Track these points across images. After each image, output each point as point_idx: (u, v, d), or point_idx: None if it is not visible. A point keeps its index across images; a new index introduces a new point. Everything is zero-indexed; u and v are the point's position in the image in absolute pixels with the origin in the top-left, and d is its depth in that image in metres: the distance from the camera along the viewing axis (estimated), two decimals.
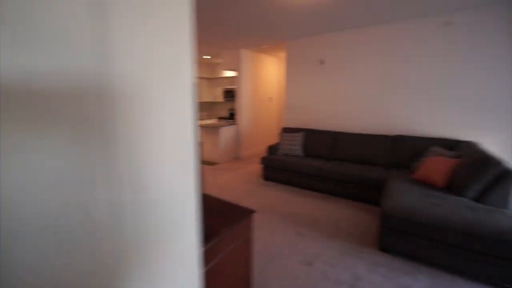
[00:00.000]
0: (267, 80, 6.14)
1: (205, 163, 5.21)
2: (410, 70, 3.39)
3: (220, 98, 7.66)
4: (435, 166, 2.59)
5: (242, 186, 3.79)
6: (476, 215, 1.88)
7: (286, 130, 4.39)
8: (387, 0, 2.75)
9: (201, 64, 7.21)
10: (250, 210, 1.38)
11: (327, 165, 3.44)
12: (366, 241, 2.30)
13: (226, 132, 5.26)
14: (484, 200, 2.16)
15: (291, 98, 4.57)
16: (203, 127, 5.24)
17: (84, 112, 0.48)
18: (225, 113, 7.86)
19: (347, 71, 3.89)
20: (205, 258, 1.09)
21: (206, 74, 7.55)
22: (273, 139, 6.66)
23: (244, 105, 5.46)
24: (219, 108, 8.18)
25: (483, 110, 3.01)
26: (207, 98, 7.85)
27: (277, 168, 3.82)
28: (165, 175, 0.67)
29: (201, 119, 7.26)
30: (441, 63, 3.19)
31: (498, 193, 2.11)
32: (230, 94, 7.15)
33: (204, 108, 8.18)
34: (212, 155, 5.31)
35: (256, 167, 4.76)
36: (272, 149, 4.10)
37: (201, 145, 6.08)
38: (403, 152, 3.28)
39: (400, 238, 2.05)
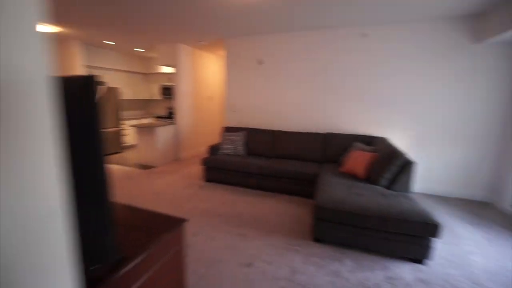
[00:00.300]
0: (208, 78, 5.95)
1: (140, 167, 4.72)
2: (336, 74, 3.76)
3: (157, 95, 7.09)
4: (357, 160, 2.93)
5: (181, 190, 3.57)
6: (387, 200, 2.19)
7: (228, 130, 4.33)
8: (314, 10, 2.97)
9: (134, 57, 6.51)
10: (180, 219, 1.26)
11: (268, 163, 3.53)
12: (303, 234, 2.44)
13: (164, 133, 4.88)
14: (393, 187, 2.54)
15: (232, 97, 4.54)
16: (137, 127, 4.73)
17: None
18: (163, 112, 7.31)
19: (284, 72, 4.07)
20: (125, 282, 0.94)
21: (141, 68, 6.87)
22: (216, 139, 6.53)
23: (183, 103, 5.16)
24: (156, 106, 7.56)
25: (393, 111, 3.56)
26: (143, 95, 7.16)
27: (219, 168, 3.73)
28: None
29: (136, 118, 6.58)
30: (361, 69, 3.63)
31: (402, 181, 2.52)
32: (168, 92, 6.68)
33: (140, 106, 7.44)
34: (148, 158, 4.86)
35: (198, 169, 4.56)
36: (213, 149, 3.98)
37: (134, 147, 5.48)
38: (333, 148, 3.62)
39: (330, 228, 2.24)
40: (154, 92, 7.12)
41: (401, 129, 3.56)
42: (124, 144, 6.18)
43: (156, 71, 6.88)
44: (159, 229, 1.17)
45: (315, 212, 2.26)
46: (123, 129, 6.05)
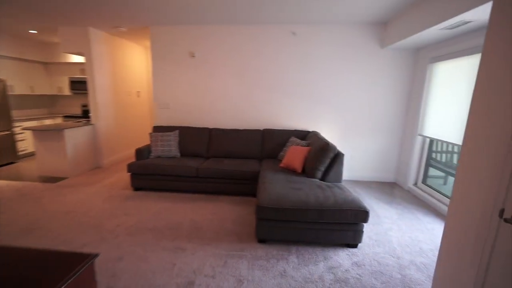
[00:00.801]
0: (133, 71, 5.20)
1: (44, 180, 3.76)
2: (270, 71, 3.79)
3: (66, 90, 5.83)
4: (294, 155, 3.01)
5: (101, 204, 2.98)
6: (323, 192, 2.30)
7: (158, 129, 3.86)
8: (244, 5, 2.86)
9: (29, 41, 5.12)
10: (87, 256, 0.95)
11: (205, 164, 3.29)
12: (248, 236, 2.34)
13: (77, 135, 4.01)
14: (327, 179, 2.71)
15: (160, 93, 4.06)
16: (33, 130, 3.73)
17: None
18: (75, 110, 6.09)
19: (219, 66, 3.87)
20: None
21: (39, 56, 5.49)
22: (146, 141, 5.82)
23: (101, 100, 4.35)
24: (66, 103, 6.23)
25: (322, 106, 3.83)
26: (46, 90, 5.77)
27: (149, 174, 3.28)
28: None
29: (36, 118, 5.25)
30: (293, 66, 3.75)
31: (334, 171, 2.71)
32: (81, 86, 5.56)
33: (42, 103, 5.98)
34: (56, 168, 3.92)
35: (124, 176, 3.94)
36: (142, 152, 3.47)
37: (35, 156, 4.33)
38: (271, 144, 3.65)
39: (273, 227, 2.20)
40: (62, 86, 5.83)
41: (329, 123, 3.86)
42: (20, 152, 4.85)
43: (62, 60, 5.63)
44: (56, 275, 0.85)
45: (257, 213, 2.18)
46: (15, 133, 4.73)
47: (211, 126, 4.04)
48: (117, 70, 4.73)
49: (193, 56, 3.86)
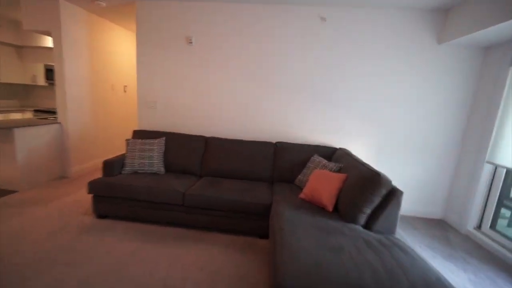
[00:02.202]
0: (119, 61, 4.32)
1: None
2: (289, 66, 2.91)
3: (41, 79, 4.95)
4: (321, 184, 2.10)
5: (45, 239, 2.07)
6: (380, 259, 1.39)
7: (139, 135, 2.97)
8: None
9: None
10: None
11: (196, 187, 2.38)
12: None
13: (35, 137, 3.12)
14: (375, 226, 1.80)
15: (146, 88, 3.17)
16: None
17: None
18: (51, 104, 5.19)
19: (223, 58, 2.98)
20: None
21: (11, 38, 4.62)
22: None
23: (73, 93, 3.46)
24: (40, 95, 5.35)
25: (353, 116, 2.93)
26: (17, 79, 4.89)
27: (118, 197, 2.38)
28: None
29: (2, 111, 4.36)
30: (317, 62, 2.87)
31: (386, 217, 1.80)
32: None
33: (14, 94, 5.10)
34: (2, 178, 3.01)
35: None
36: (112, 165, 2.55)
37: None
38: (286, 163, 2.75)
39: None
40: (38, 75, 4.95)
41: (361, 138, 2.97)
42: None
43: (38, 44, 4.76)
44: None
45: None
46: None
47: (208, 134, 3.14)
48: (97, 57, 3.85)
49: (190, 42, 2.98)
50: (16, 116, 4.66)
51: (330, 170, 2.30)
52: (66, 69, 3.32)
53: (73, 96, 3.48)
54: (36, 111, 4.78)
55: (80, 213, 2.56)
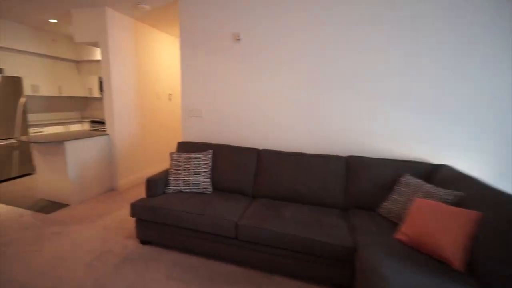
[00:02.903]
0: (164, 68, 4.19)
1: (39, 207, 2.84)
2: (364, 61, 2.25)
3: (96, 91, 5.16)
4: (437, 226, 1.41)
5: (83, 271, 1.82)
6: None
7: (184, 147, 2.64)
8: None
9: (57, 36, 4.51)
10: None
11: (250, 214, 1.91)
12: None
13: (85, 149, 3.05)
14: None
15: (190, 95, 2.84)
16: (32, 142, 2.82)
17: None
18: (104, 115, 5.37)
19: (277, 55, 2.49)
20: None
21: (71, 54, 4.89)
22: None
23: (120, 104, 3.36)
24: (96, 106, 5.60)
25: (456, 121, 2.13)
26: (76, 92, 5.17)
27: (161, 223, 2.04)
28: None
29: (64, 123, 4.59)
30: (406, 54, 2.16)
31: None
32: None
33: (75, 106, 5.43)
34: (56, 191, 3.00)
35: None
36: (155, 184, 2.25)
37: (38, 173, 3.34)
38: (364, 183, 2.10)
39: None
40: (93, 87, 5.17)
41: (470, 151, 2.14)
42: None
43: (94, 58, 4.96)
44: None
45: None
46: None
47: (260, 146, 2.66)
48: (142, 66, 3.73)
49: (238, 39, 2.56)
50: (76, 127, 4.90)
51: (442, 201, 1.60)
52: (113, 79, 3.22)
53: (120, 106, 3.37)
54: (92, 122, 4.96)
55: (124, 235, 2.31)
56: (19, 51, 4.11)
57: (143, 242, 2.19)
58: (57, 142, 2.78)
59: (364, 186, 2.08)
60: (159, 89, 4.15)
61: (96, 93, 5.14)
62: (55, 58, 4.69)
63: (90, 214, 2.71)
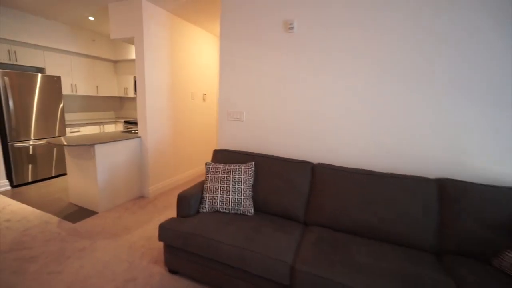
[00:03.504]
0: (198, 66, 3.90)
1: (67, 215, 2.66)
2: (464, 48, 1.65)
3: (131, 91, 5.08)
4: None
5: None
6: None
7: (221, 157, 2.25)
8: None
9: (95, 35, 4.49)
10: None
11: (308, 253, 1.43)
12: None
13: (115, 153, 2.83)
14: None
15: (229, 95, 2.45)
16: (62, 145, 2.65)
17: None
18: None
19: (343, 47, 1.98)
20: None
21: (107, 53, 4.87)
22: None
23: (153, 104, 3.11)
24: (131, 106, 5.55)
25: None
26: (112, 91, 5.15)
27: (195, 253, 1.65)
28: None
29: (100, 123, 4.56)
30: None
31: None
32: None
33: (111, 105, 5.44)
34: (86, 196, 2.81)
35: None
36: (188, 201, 1.88)
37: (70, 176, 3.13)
38: (469, 220, 1.50)
39: None
40: (128, 86, 5.11)
41: None
42: None
43: (128, 57, 4.88)
44: None
45: None
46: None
47: (315, 160, 2.17)
48: (178, 63, 3.46)
49: (290, 28, 2.10)
50: (110, 127, 4.85)
51: None
52: (147, 77, 2.97)
53: (153, 107, 3.12)
54: (126, 122, 4.88)
55: (151, 258, 1.98)
56: (60, 51, 4.12)
57: (172, 271, 1.83)
58: (88, 146, 2.57)
59: (470, 223, 1.49)
60: (194, 89, 3.86)
61: (131, 93, 5.06)
62: (94, 58, 4.68)
63: (117, 227, 2.44)
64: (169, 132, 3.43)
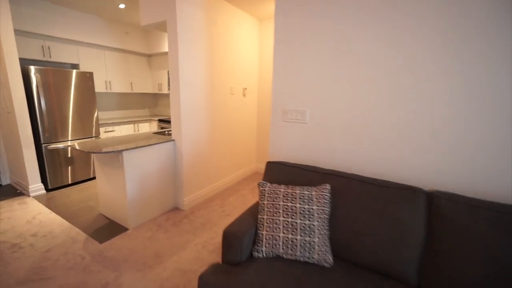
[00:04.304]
0: (239, 56, 3.33)
1: (95, 227, 2.31)
2: None
3: (165, 87, 4.75)
4: None
5: None
6: None
7: (278, 173, 1.64)
8: None
9: (128, 27, 4.20)
10: None
11: None
12: None
13: (146, 159, 2.41)
14: None
15: (285, 88, 1.81)
16: (90, 152, 2.29)
17: None
18: None
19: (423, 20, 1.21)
20: None
21: (140, 47, 4.57)
22: (252, 170, 3.91)
23: (188, 102, 2.63)
24: (166, 103, 5.25)
25: None
26: (146, 87, 4.88)
27: None
28: None
29: (135, 121, 4.31)
30: None
31: None
32: None
33: (146, 103, 5.20)
34: (115, 208, 2.45)
35: (212, 247, 2.01)
36: (239, 241, 1.32)
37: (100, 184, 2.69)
38: None
39: None
40: (162, 82, 4.78)
41: None
42: None
43: (162, 50, 4.52)
44: None
45: None
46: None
47: (424, 182, 1.43)
48: (216, 53, 2.92)
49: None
50: (144, 126, 4.58)
51: None
52: (181, 69, 2.48)
53: (188, 104, 2.63)
54: (160, 120, 4.56)
55: None
56: (93, 45, 3.87)
57: None
58: (116, 152, 2.17)
59: None
60: (234, 83, 3.31)
61: (165, 89, 4.73)
62: (127, 52, 4.40)
63: (148, 252, 2.01)
64: (206, 133, 2.94)
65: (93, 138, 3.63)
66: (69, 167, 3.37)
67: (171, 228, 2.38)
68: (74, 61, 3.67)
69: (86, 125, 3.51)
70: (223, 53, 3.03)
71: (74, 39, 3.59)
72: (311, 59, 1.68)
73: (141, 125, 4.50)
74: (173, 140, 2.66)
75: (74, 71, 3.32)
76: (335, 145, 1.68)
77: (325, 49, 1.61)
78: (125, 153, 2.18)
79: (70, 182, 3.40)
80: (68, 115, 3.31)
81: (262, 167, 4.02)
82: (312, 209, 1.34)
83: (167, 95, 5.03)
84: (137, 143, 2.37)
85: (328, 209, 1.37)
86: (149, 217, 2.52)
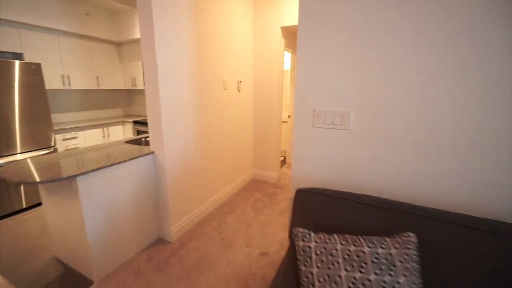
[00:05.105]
0: (233, 42, 2.67)
1: (51, 281, 1.62)
2: None
3: (141, 82, 3.98)
4: None
5: None
6: None
7: (316, 207, 1.07)
8: None
9: (73, 4, 3.37)
10: None
11: None
12: None
13: (116, 182, 1.74)
14: None
15: (313, 80, 1.23)
16: (19, 183, 1.57)
17: None
18: None
19: None
20: None
21: (108, 32, 3.75)
22: (250, 178, 3.31)
23: (171, 99, 1.97)
24: (142, 101, 4.48)
25: None
26: (116, 83, 4.07)
27: None
28: None
29: (102, 124, 3.53)
30: None
31: None
32: None
33: (117, 102, 4.38)
34: (73, 250, 1.76)
35: None
36: None
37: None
38: None
39: None
40: (137, 77, 4.00)
41: None
42: None
43: (134, 37, 3.74)
44: None
45: None
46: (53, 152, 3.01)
47: None
48: (204, 36, 2.26)
49: None
50: (116, 130, 3.80)
51: None
52: (159, 56, 1.81)
53: (171, 105, 1.97)
54: (135, 122, 3.80)
55: None
56: (41, 28, 3.03)
57: None
58: (66, 179, 1.47)
59: None
60: (227, 75, 2.67)
61: (140, 85, 3.96)
62: (90, 39, 3.58)
63: None
64: (195, 139, 2.29)
65: (51, 149, 2.84)
66: (20, 188, 2.59)
67: (154, 274, 1.74)
68: (15, 49, 2.83)
69: (37, 133, 2.71)
70: (214, 39, 2.37)
71: (13, 19, 2.74)
72: (356, 40, 1.10)
73: (112, 128, 3.72)
74: (152, 152, 2.00)
75: (17, 62, 2.51)
76: (397, 160, 1.13)
77: (374, 29, 1.04)
78: (80, 179, 1.49)
79: (24, 207, 2.61)
80: (14, 121, 2.51)
81: (259, 173, 3.43)
82: (399, 283, 0.79)
83: (144, 92, 4.27)
84: (100, 161, 1.68)
85: (418, 278, 0.82)
86: (124, 259, 1.86)
